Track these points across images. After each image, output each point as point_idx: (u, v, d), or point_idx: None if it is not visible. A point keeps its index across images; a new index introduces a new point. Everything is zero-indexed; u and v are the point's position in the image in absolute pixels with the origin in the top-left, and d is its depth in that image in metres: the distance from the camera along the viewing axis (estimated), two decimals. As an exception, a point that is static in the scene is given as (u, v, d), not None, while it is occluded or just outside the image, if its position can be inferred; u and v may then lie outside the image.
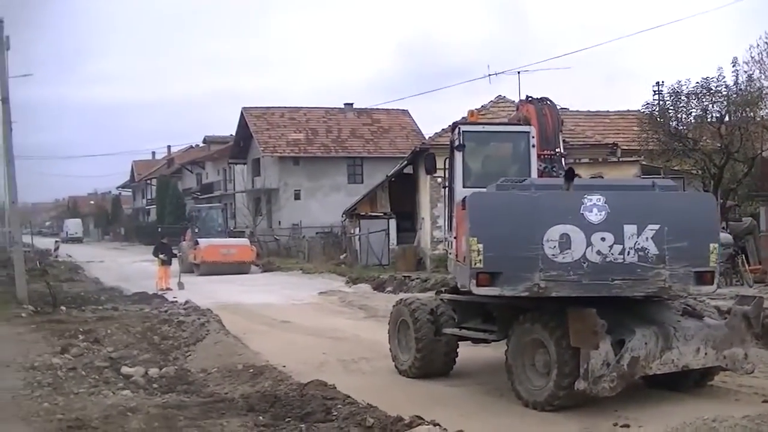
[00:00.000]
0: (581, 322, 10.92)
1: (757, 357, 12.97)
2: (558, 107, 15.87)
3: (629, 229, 11.25)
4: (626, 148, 39.76)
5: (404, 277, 32.19)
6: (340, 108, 69.97)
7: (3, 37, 26.37)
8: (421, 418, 9.41)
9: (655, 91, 39.14)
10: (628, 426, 10.50)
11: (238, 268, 42.59)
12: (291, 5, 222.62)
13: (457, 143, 14.69)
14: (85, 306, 24.53)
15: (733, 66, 30.15)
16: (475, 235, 11.44)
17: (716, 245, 11.58)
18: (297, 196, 63.17)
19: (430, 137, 39.31)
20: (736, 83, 30.25)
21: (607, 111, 48.04)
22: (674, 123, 31.71)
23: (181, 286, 33.02)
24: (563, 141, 15.26)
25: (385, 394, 12.25)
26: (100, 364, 14.43)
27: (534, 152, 14.54)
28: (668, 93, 32.42)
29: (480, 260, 11.33)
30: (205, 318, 19.03)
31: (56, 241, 74.64)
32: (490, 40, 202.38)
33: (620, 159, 38.53)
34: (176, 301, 24.76)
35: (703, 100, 30.78)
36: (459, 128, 14.87)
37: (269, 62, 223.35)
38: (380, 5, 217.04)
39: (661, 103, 35.07)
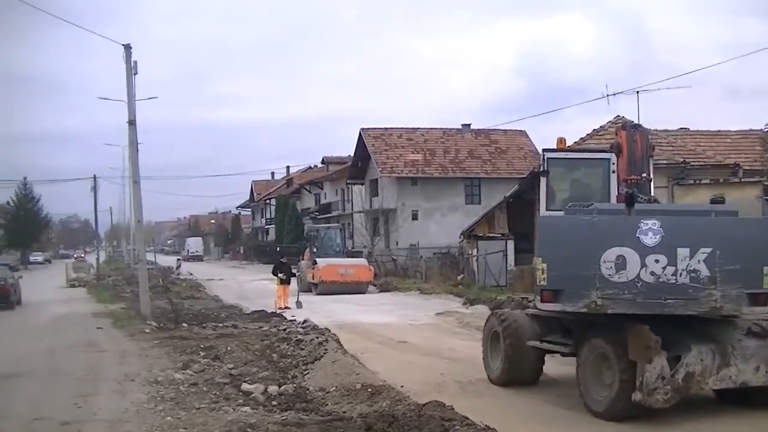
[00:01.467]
0: (638, 338, 11.81)
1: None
2: (649, 133, 16.32)
3: (682, 252, 12.02)
4: (748, 168, 38.74)
5: (522, 298, 31.83)
6: (457, 128, 69.88)
7: (131, 62, 27.15)
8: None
9: (779, 110, 37.74)
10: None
11: (356, 288, 42.73)
12: (409, 27, 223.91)
13: (541, 168, 15.54)
14: (206, 323, 25.00)
15: None
16: (541, 255, 12.82)
17: None
18: (414, 217, 63.24)
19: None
20: None
21: (728, 130, 46.86)
22: (800, 142, 30.85)
23: (299, 305, 33.27)
24: (652, 165, 15.70)
25: (504, 416, 12.13)
26: (221, 381, 14.66)
27: (614, 177, 15.22)
28: (795, 111, 31.57)
29: (544, 278, 12.64)
30: (323, 337, 19.08)
31: (178, 259, 76.44)
32: (608, 59, 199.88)
33: (742, 180, 37.64)
34: (294, 320, 24.89)
35: (832, 118, 29.87)
36: (544, 154, 15.76)
37: (387, 83, 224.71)
38: (498, 25, 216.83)
39: (787, 121, 34.17)
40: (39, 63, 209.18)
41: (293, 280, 37.61)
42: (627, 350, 12.01)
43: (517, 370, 15.13)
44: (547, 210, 14.88)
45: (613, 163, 15.39)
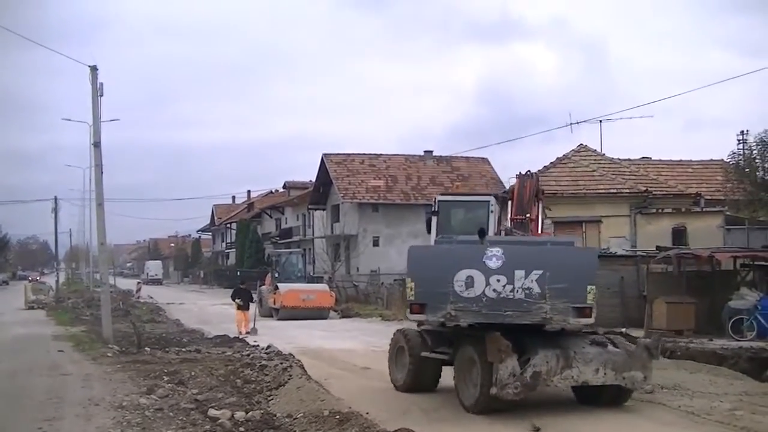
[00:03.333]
0: (493, 343, 14.42)
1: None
2: (539, 179, 20.51)
3: (519, 273, 14.63)
4: (710, 198, 39.32)
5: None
6: (420, 155, 70.32)
7: (97, 83, 27.04)
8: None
9: (739, 140, 38.56)
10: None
11: (318, 314, 42.64)
12: (373, 53, 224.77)
13: (433, 209, 20.20)
14: (169, 347, 24.88)
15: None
16: (410, 276, 15.74)
17: (593, 287, 14.73)
18: (376, 243, 63.42)
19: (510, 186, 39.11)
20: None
21: (690, 160, 47.60)
22: (761, 173, 31.25)
23: (254, 331, 33.19)
24: (541, 207, 19.88)
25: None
26: (186, 406, 14.58)
27: (492, 216, 19.73)
28: (755, 142, 32.04)
29: (413, 294, 15.31)
30: (288, 363, 19.04)
31: (138, 283, 75.93)
32: (571, 88, 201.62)
33: (703, 209, 38.14)
34: (258, 345, 24.85)
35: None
36: (435, 198, 20.95)
37: (351, 109, 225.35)
38: (461, 52, 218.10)
39: (747, 152, 34.65)
40: (2, 82, 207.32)
41: (253, 306, 37.36)
42: (486, 354, 14.58)
43: (418, 379, 17.74)
44: (433, 242, 18.36)
45: (492, 204, 19.92)
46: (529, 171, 20.00)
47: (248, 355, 21.76)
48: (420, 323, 17.52)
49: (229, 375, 18.43)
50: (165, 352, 23.22)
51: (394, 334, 18.97)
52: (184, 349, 24.18)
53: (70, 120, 42.30)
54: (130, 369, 19.59)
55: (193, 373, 18.30)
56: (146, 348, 24.33)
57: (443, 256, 15.71)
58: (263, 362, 19.51)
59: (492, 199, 20.21)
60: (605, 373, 15.17)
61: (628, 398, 15.84)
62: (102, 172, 28.14)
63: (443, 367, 17.41)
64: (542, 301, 14.60)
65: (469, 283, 14.70)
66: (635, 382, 15.40)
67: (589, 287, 14.71)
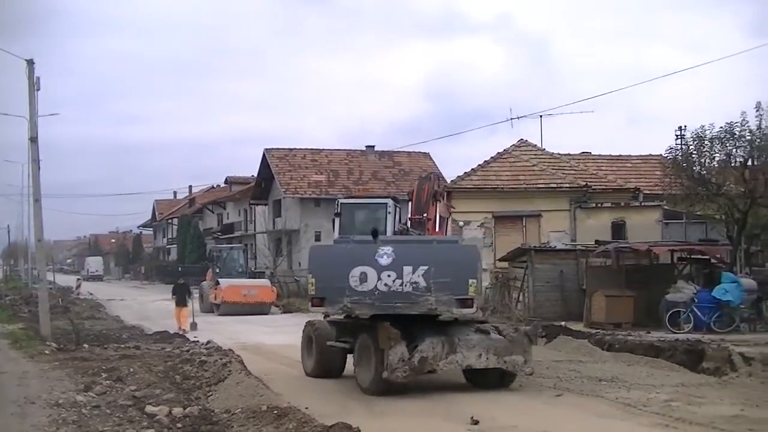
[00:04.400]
0: (384, 331, 16.25)
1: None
2: (441, 182, 23.62)
3: (407, 269, 16.39)
4: (648, 192, 39.76)
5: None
6: (362, 150, 70.32)
7: (33, 77, 26.68)
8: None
9: (677, 136, 39.10)
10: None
11: (259, 309, 42.53)
12: (316, 48, 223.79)
13: (336, 211, 22.30)
14: (108, 344, 24.65)
15: (757, 110, 30.14)
16: (311, 272, 17.69)
17: (474, 281, 16.57)
18: (318, 238, 63.17)
19: (452, 180, 39.33)
20: (759, 128, 30.23)
21: (629, 155, 48.07)
22: (698, 168, 31.66)
23: (193, 326, 32.96)
24: (441, 207, 21.70)
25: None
26: (124, 403, 14.43)
27: (390, 217, 21.57)
28: (692, 137, 32.48)
29: (313, 289, 17.28)
30: (227, 358, 18.96)
31: (78, 279, 74.94)
32: (514, 83, 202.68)
33: (642, 203, 38.55)
34: (197, 341, 24.73)
35: (727, 144, 30.77)
36: (338, 201, 23.20)
37: (294, 105, 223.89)
38: (406, 47, 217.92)
39: (684, 147, 35.08)
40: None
41: (193, 301, 36.82)
42: (379, 341, 16.30)
43: (326, 365, 19.34)
44: (334, 241, 19.93)
45: (390, 206, 21.79)
46: (430, 174, 23.12)
47: (188, 350, 21.60)
48: (326, 315, 19.25)
49: (168, 371, 18.34)
50: (104, 349, 22.96)
51: (305, 327, 20.56)
52: (123, 346, 23.95)
53: (7, 114, 41.67)
54: (68, 366, 19.32)
55: (131, 370, 18.10)
56: (85, 345, 24.08)
57: (340, 254, 17.76)
58: (203, 358, 19.39)
59: (390, 201, 22.33)
60: (488, 358, 16.87)
61: (513, 380, 17.44)
62: (39, 168, 27.75)
63: (348, 355, 18.87)
64: (428, 294, 16.35)
65: (363, 278, 16.45)
66: (516, 365, 17.09)
67: (470, 281, 16.53)
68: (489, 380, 17.35)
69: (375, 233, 17.77)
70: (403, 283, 16.38)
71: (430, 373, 16.80)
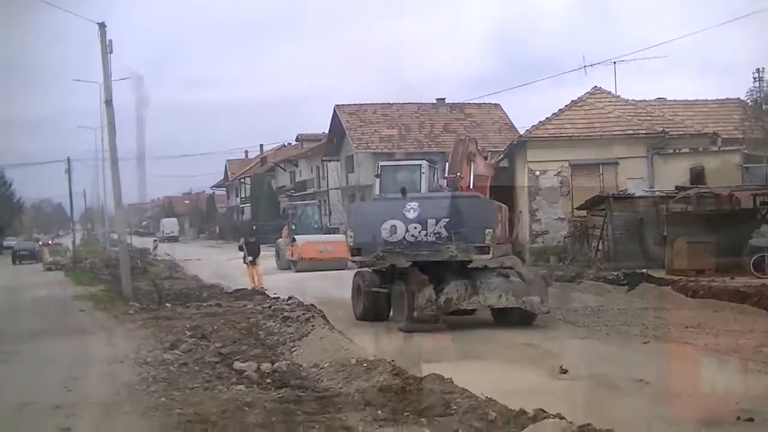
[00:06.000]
0: (414, 276, 19.09)
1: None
2: (474, 144, 24.98)
3: (431, 222, 19.43)
4: (727, 137, 38.87)
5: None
6: (432, 103, 69.60)
7: (106, 41, 26.79)
8: (545, 411, 9.19)
9: (755, 78, 38.00)
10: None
11: (336, 264, 42.36)
12: (380, 7, 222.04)
13: (376, 173, 25.83)
14: (189, 303, 24.81)
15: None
16: (350, 226, 21.63)
17: (490, 230, 19.32)
18: (391, 192, 63.06)
19: (527, 129, 38.85)
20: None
21: (706, 100, 46.95)
22: (780, 110, 30.84)
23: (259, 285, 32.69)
24: (481, 165, 24.31)
25: (501, 388, 12.04)
26: (211, 360, 14.55)
27: (425, 177, 24.69)
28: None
29: (352, 241, 20.70)
30: (309, 313, 18.97)
31: (155, 240, 75.90)
32: (582, 31, 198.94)
33: (721, 149, 37.75)
34: (278, 297, 24.79)
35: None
36: (378, 164, 27.24)
37: (361, 61, 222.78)
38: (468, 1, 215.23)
39: (765, 89, 34.18)
40: (8, 48, 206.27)
41: (267, 259, 36.33)
42: (410, 285, 18.90)
43: (371, 309, 21.12)
44: (374, 199, 24.27)
45: (424, 168, 24.93)
46: (466, 137, 25.85)
47: (269, 307, 21.69)
48: (371, 265, 21.46)
49: (251, 328, 18.39)
50: (186, 308, 23.18)
51: (354, 276, 22.62)
52: (204, 304, 24.11)
53: (80, 80, 41.87)
54: (152, 325, 19.51)
55: (215, 327, 18.21)
56: (167, 304, 24.29)
57: (373, 210, 21.25)
58: (285, 314, 19.45)
59: (424, 163, 25.54)
60: (507, 299, 19.25)
61: (534, 319, 19.54)
62: (115, 131, 27.99)
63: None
64: (449, 243, 19.20)
65: (393, 230, 19.58)
66: (533, 305, 19.30)
67: (487, 230, 19.32)
68: (512, 318, 19.56)
69: (404, 191, 20.69)
70: (427, 233, 19.38)
71: (457, 314, 19.66)
